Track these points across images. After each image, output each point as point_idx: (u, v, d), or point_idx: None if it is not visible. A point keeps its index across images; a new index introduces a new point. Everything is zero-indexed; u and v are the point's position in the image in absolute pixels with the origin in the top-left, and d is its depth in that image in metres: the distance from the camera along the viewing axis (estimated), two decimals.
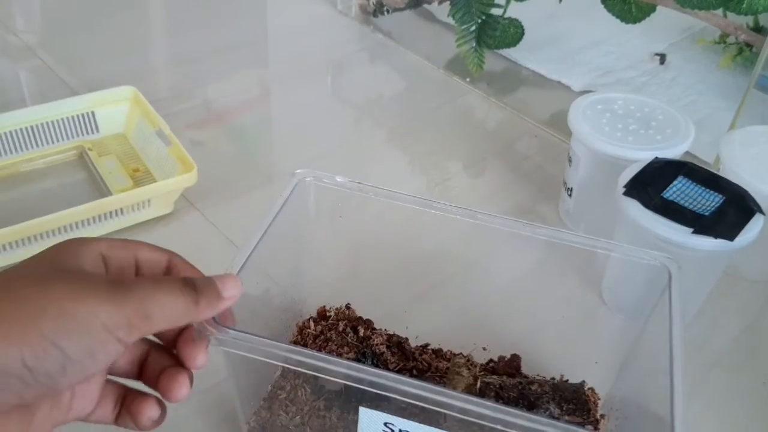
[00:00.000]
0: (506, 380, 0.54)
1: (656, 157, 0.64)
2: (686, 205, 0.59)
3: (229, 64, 1.02)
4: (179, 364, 0.40)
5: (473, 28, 1.00)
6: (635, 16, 0.97)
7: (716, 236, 0.57)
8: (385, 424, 0.45)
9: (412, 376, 0.58)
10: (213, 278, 0.38)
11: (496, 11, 1.00)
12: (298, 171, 0.53)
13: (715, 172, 0.63)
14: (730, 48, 1.04)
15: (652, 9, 0.96)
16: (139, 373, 0.41)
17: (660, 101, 0.74)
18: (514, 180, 0.83)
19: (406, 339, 0.61)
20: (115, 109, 0.82)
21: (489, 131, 0.93)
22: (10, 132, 0.77)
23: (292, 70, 1.02)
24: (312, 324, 0.61)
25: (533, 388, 0.54)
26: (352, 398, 0.54)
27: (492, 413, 0.39)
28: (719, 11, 0.92)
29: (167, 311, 0.35)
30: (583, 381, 0.56)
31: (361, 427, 0.45)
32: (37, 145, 0.79)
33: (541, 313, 0.57)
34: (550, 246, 0.52)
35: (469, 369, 0.55)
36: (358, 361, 0.55)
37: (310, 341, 0.59)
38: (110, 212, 0.70)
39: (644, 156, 0.65)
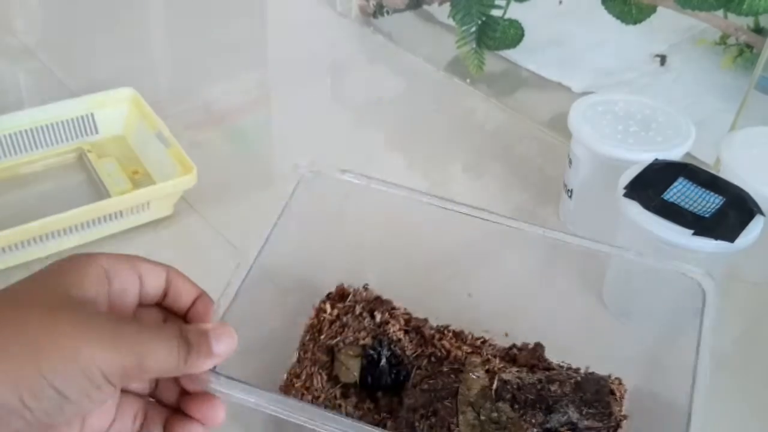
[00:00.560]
0: (525, 377, 0.53)
1: (656, 159, 0.64)
2: (687, 206, 0.59)
3: (228, 65, 1.02)
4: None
5: (473, 29, 0.99)
6: (635, 18, 0.96)
7: (716, 238, 0.57)
8: None
9: (429, 362, 0.57)
10: (209, 332, 0.38)
11: (496, 12, 1.00)
12: (300, 164, 0.53)
13: (716, 173, 0.63)
14: (731, 49, 1.04)
15: (653, 10, 0.96)
16: (155, 388, 0.41)
17: (660, 103, 0.73)
18: (514, 182, 0.83)
19: (426, 320, 0.60)
20: (114, 110, 0.82)
21: (489, 133, 0.93)
22: (9, 134, 0.77)
23: (291, 72, 1.02)
24: (329, 306, 0.60)
25: (553, 388, 0.52)
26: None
27: None
28: (720, 12, 0.92)
29: (160, 364, 0.35)
30: (609, 374, 0.55)
31: None
32: (36, 147, 0.79)
33: (566, 304, 0.57)
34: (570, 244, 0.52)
35: (486, 370, 0.54)
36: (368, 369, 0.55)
37: (326, 327, 0.58)
38: (109, 215, 0.70)
39: (644, 158, 0.65)
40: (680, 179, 0.62)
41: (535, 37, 1.04)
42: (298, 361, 0.57)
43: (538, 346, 0.58)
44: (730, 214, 0.59)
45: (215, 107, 0.94)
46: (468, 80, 1.01)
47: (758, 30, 0.96)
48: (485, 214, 0.52)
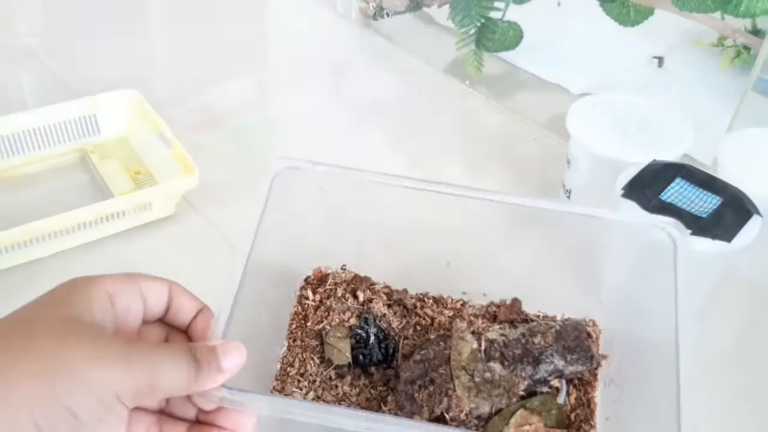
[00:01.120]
0: (509, 333, 0.56)
1: (654, 160, 0.65)
2: (684, 206, 0.60)
3: (229, 67, 1.03)
4: None
5: (473, 31, 1.00)
6: (633, 19, 0.97)
7: (714, 238, 0.57)
8: None
9: (415, 331, 0.59)
10: (216, 349, 0.39)
11: (495, 14, 1.01)
12: (276, 159, 0.54)
13: (713, 174, 0.63)
14: (728, 51, 1.05)
15: (651, 12, 0.96)
16: (167, 403, 0.42)
17: (658, 104, 0.74)
18: (513, 182, 0.84)
19: (405, 291, 0.62)
20: (116, 111, 0.82)
21: (488, 134, 0.94)
22: (12, 135, 0.78)
23: (292, 73, 1.03)
24: (310, 293, 0.61)
25: (536, 341, 0.55)
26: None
27: None
28: (717, 14, 0.92)
29: (171, 384, 0.36)
30: (584, 318, 0.59)
31: None
32: (38, 148, 0.79)
33: (538, 255, 0.60)
34: (543, 212, 0.54)
35: (472, 332, 0.56)
36: (359, 358, 0.57)
37: (311, 313, 0.60)
38: (112, 215, 0.71)
39: (642, 158, 0.65)
40: (678, 180, 0.62)
41: (534, 38, 1.05)
42: (289, 349, 0.58)
43: (516, 301, 0.61)
44: (728, 214, 0.59)
45: (216, 108, 0.94)
46: (467, 82, 1.02)
47: (755, 32, 0.96)
48: (455, 189, 0.54)
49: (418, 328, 0.60)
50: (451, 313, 0.61)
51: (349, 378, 0.57)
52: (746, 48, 1.01)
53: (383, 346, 0.58)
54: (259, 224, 0.49)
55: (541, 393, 0.55)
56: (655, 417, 0.45)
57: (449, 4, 1.02)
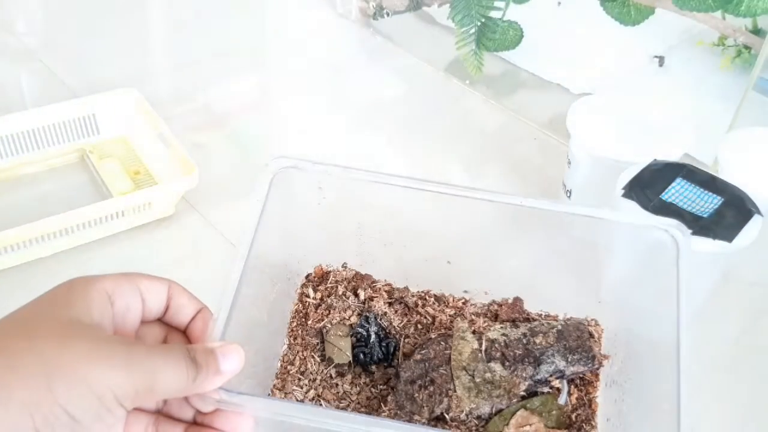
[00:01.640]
0: (510, 333, 0.56)
1: (655, 160, 0.64)
2: (685, 206, 0.60)
3: (229, 66, 1.03)
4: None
5: (473, 30, 1.00)
6: (634, 19, 0.97)
7: (714, 237, 0.57)
8: None
9: (416, 330, 0.59)
10: (216, 350, 0.39)
11: (495, 14, 1.01)
12: (275, 158, 0.54)
13: (714, 173, 0.63)
14: (729, 50, 1.04)
15: (651, 11, 0.96)
16: (164, 404, 0.42)
17: (659, 103, 0.74)
18: (513, 182, 0.84)
19: (407, 288, 0.62)
20: (116, 111, 0.82)
21: (488, 133, 0.94)
22: (11, 135, 0.78)
23: (292, 73, 1.03)
24: (311, 290, 0.61)
25: (537, 341, 0.55)
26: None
27: None
28: (718, 13, 0.92)
29: (170, 386, 0.36)
30: (586, 317, 0.59)
31: None
32: (38, 147, 0.79)
33: (540, 255, 0.60)
34: (544, 212, 0.54)
35: (473, 331, 0.56)
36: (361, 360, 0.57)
37: (312, 311, 0.60)
38: (111, 214, 0.71)
39: (642, 158, 0.65)
40: (678, 179, 0.62)
41: (534, 38, 1.05)
42: (289, 347, 0.58)
43: (517, 300, 0.61)
44: (728, 214, 0.59)
45: (216, 108, 0.94)
46: (467, 81, 1.02)
47: (756, 31, 0.96)
48: (455, 188, 0.53)
49: (419, 326, 0.60)
50: (452, 312, 0.61)
51: (349, 376, 0.57)
52: (747, 48, 1.01)
53: (384, 344, 0.58)
54: (258, 223, 0.49)
55: (542, 393, 0.54)
56: (657, 417, 0.45)
57: (449, 4, 1.02)
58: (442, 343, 0.55)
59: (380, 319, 0.59)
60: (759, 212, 0.60)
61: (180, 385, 0.37)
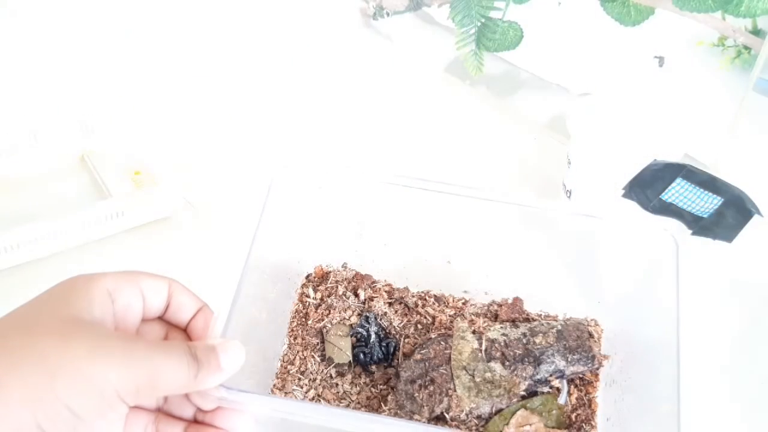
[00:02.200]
0: (510, 333, 0.56)
1: (655, 160, 0.64)
2: (685, 206, 0.60)
3: (229, 66, 1.03)
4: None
5: (473, 30, 1.00)
6: (634, 19, 0.97)
7: (715, 238, 0.57)
8: None
9: (416, 330, 0.60)
10: (216, 347, 0.39)
11: (495, 14, 1.01)
12: (276, 158, 0.54)
13: (714, 174, 0.63)
14: (729, 51, 1.04)
15: (651, 12, 0.96)
16: (164, 402, 0.42)
17: (658, 103, 0.74)
18: (513, 182, 0.84)
19: (407, 289, 0.63)
20: (116, 111, 0.82)
21: (488, 133, 0.94)
22: (12, 135, 0.77)
23: (291, 73, 1.03)
24: (311, 290, 0.61)
25: (537, 341, 0.55)
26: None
27: None
28: (718, 14, 0.92)
29: (171, 382, 0.36)
30: (585, 317, 0.60)
31: None
32: (38, 148, 0.79)
33: (539, 255, 0.60)
34: (544, 212, 0.54)
35: (473, 331, 0.56)
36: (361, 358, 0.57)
37: (312, 311, 0.60)
38: (111, 215, 0.70)
39: (642, 158, 0.65)
40: (678, 179, 0.62)
41: (534, 38, 1.05)
42: (289, 347, 0.58)
43: (517, 300, 0.61)
44: (729, 214, 0.59)
45: (216, 108, 0.94)
46: (467, 82, 1.02)
47: (756, 32, 0.96)
48: (456, 188, 0.53)
49: (419, 326, 0.60)
50: (452, 312, 0.61)
51: (349, 376, 0.57)
52: (747, 48, 1.01)
53: (384, 344, 0.58)
54: (259, 223, 0.49)
55: (542, 393, 0.55)
56: (656, 417, 0.45)
57: (449, 4, 1.02)
58: (442, 342, 0.55)
59: (380, 319, 0.59)
60: (759, 212, 0.60)
61: (181, 382, 0.37)
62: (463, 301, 0.62)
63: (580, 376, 0.56)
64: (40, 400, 0.32)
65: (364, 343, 0.57)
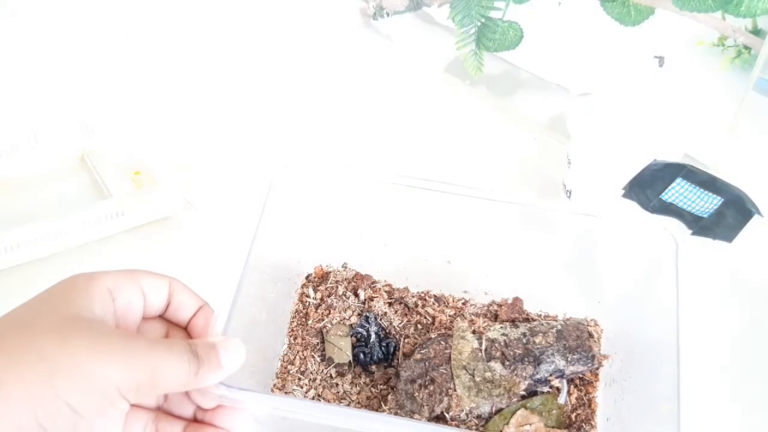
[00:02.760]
0: (510, 332, 0.56)
1: (655, 160, 0.64)
2: (685, 206, 0.60)
3: (229, 66, 1.03)
4: None
5: (473, 30, 1.00)
6: (634, 19, 0.97)
7: (715, 238, 0.57)
8: None
9: (416, 330, 0.60)
10: (217, 344, 0.39)
11: (495, 14, 1.01)
12: (276, 158, 0.54)
13: (714, 174, 0.63)
14: (729, 50, 1.04)
15: (651, 12, 0.96)
16: (164, 401, 0.42)
17: (658, 103, 0.74)
18: (513, 182, 0.84)
19: (407, 289, 0.63)
20: (116, 112, 0.82)
21: (488, 133, 0.94)
22: (11, 135, 0.77)
23: (291, 73, 1.03)
24: (311, 290, 0.61)
25: (537, 341, 0.55)
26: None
27: None
28: (718, 14, 0.92)
29: (172, 379, 0.36)
30: (585, 317, 0.60)
31: None
32: (38, 148, 0.79)
33: (539, 255, 0.60)
34: (544, 212, 0.55)
35: (473, 331, 0.56)
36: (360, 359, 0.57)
37: (312, 311, 0.60)
38: (111, 214, 0.70)
39: (642, 158, 0.65)
40: (678, 179, 0.62)
41: (534, 38, 1.05)
42: (289, 347, 0.58)
43: (517, 300, 0.61)
44: (729, 214, 0.59)
45: (216, 108, 0.94)
46: (467, 81, 1.02)
47: (756, 31, 0.96)
48: (456, 188, 0.53)
49: (419, 326, 0.60)
50: (452, 312, 0.61)
51: (349, 376, 0.57)
52: (747, 48, 1.01)
53: (384, 344, 0.58)
54: (259, 223, 0.49)
55: (542, 393, 0.55)
56: (656, 417, 0.45)
57: (449, 4, 1.02)
58: (442, 342, 0.56)
59: (380, 319, 0.59)
60: (759, 212, 0.60)
61: (182, 379, 0.37)
62: (463, 301, 0.62)
63: (580, 375, 0.56)
64: (40, 398, 0.32)
65: (364, 343, 0.58)
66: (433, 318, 0.60)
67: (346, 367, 0.57)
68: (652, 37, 1.09)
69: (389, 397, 0.55)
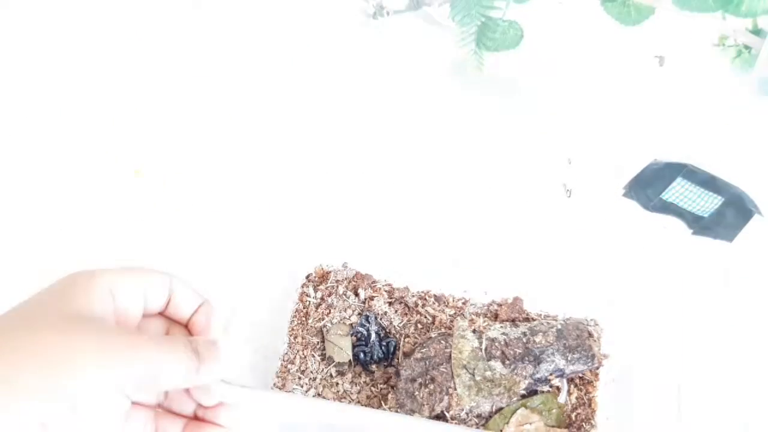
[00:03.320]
0: (510, 332, 0.56)
1: (655, 159, 0.64)
2: (685, 206, 0.60)
3: (229, 66, 1.03)
4: None
5: (473, 30, 1.00)
6: (634, 19, 0.97)
7: (715, 237, 0.57)
8: None
9: (416, 329, 0.60)
10: (217, 342, 0.39)
11: (495, 13, 1.01)
12: (277, 158, 0.54)
13: (714, 173, 0.63)
14: (729, 50, 1.05)
15: (651, 11, 0.96)
16: (164, 399, 0.42)
17: (659, 104, 0.74)
18: (513, 182, 0.83)
19: (407, 288, 0.63)
20: (117, 111, 0.82)
21: (488, 134, 0.93)
22: (12, 135, 0.77)
23: (291, 73, 1.03)
24: (312, 290, 0.61)
25: (537, 340, 0.55)
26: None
27: None
28: (718, 13, 0.92)
29: (173, 376, 0.36)
30: (585, 317, 0.59)
31: None
32: (41, 148, 0.79)
33: (540, 255, 0.60)
34: (544, 212, 0.54)
35: (473, 330, 0.56)
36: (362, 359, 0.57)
37: (312, 310, 0.60)
38: (112, 214, 0.70)
39: (643, 158, 0.65)
40: (679, 179, 0.62)
41: (534, 38, 1.05)
42: (290, 346, 0.58)
43: (517, 300, 0.61)
44: (729, 213, 0.59)
45: (216, 108, 0.94)
46: (467, 81, 1.01)
47: (756, 31, 0.96)
48: (456, 188, 0.53)
49: (419, 326, 0.60)
50: (452, 312, 0.61)
51: (349, 375, 0.57)
52: (747, 48, 1.01)
53: (384, 343, 0.58)
54: (259, 222, 0.49)
55: (542, 392, 0.55)
56: (656, 417, 0.45)
57: (449, 4, 1.02)
58: (442, 341, 0.56)
59: (380, 319, 0.59)
60: (759, 212, 0.60)
61: (182, 376, 0.37)
62: (463, 300, 0.62)
63: (580, 375, 0.56)
64: (41, 396, 0.32)
65: (364, 343, 0.57)
66: (433, 317, 0.60)
67: (346, 366, 0.57)
68: (652, 37, 1.09)
69: (389, 396, 0.55)
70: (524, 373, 0.53)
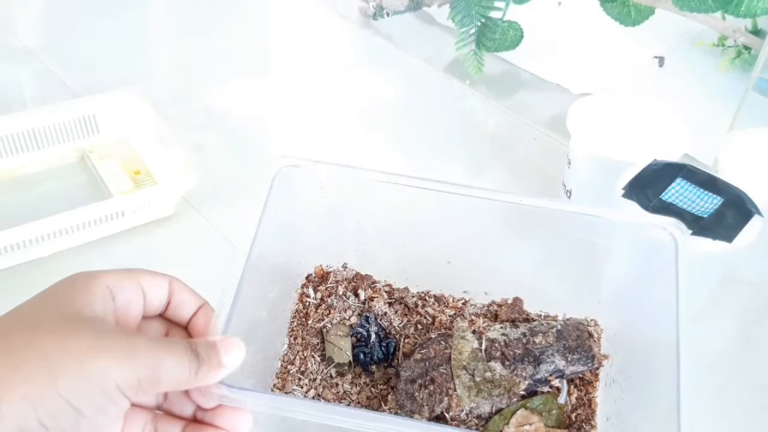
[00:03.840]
0: (510, 333, 0.56)
1: (655, 160, 0.64)
2: (685, 207, 0.60)
3: (229, 67, 1.03)
4: None
5: (473, 30, 1.00)
6: (634, 19, 0.97)
7: (714, 238, 0.57)
8: None
9: (416, 330, 0.60)
10: (217, 343, 0.39)
11: (495, 14, 1.01)
12: (277, 157, 0.54)
13: (714, 174, 0.63)
14: (729, 51, 1.05)
15: (651, 12, 0.96)
16: (164, 401, 0.42)
17: (658, 103, 0.74)
18: (513, 182, 0.84)
19: (407, 289, 0.63)
20: (116, 111, 0.82)
21: (488, 134, 0.94)
22: (11, 135, 0.78)
23: (291, 73, 1.03)
24: (312, 290, 0.61)
25: (537, 340, 0.55)
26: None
27: None
28: (718, 14, 0.92)
29: (172, 377, 0.36)
30: (585, 318, 0.60)
31: None
32: (38, 147, 0.79)
33: (539, 255, 0.60)
34: (544, 212, 0.54)
35: (473, 331, 0.56)
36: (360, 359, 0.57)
37: (312, 311, 0.60)
38: (111, 214, 0.70)
39: (642, 158, 0.65)
40: (678, 179, 0.62)
41: (534, 38, 1.05)
42: (290, 347, 0.58)
43: (517, 301, 0.61)
44: (729, 214, 0.59)
45: (216, 108, 0.94)
46: (467, 82, 1.02)
47: (756, 32, 0.96)
48: (456, 188, 0.53)
49: (419, 326, 0.60)
50: (452, 312, 0.61)
51: (349, 376, 0.57)
52: (747, 48, 1.01)
53: (384, 344, 0.58)
54: (259, 222, 0.49)
55: (542, 393, 0.55)
56: (656, 417, 0.45)
57: (449, 4, 1.02)
58: (442, 342, 0.56)
59: (380, 319, 0.60)
60: (759, 212, 0.60)
61: (182, 377, 0.37)
62: (463, 301, 0.62)
63: (580, 375, 0.56)
64: (41, 397, 0.32)
65: (364, 343, 0.58)
66: (433, 318, 0.60)
67: (346, 367, 0.57)
68: (652, 37, 1.09)
69: (389, 397, 0.55)
70: (524, 374, 0.53)
